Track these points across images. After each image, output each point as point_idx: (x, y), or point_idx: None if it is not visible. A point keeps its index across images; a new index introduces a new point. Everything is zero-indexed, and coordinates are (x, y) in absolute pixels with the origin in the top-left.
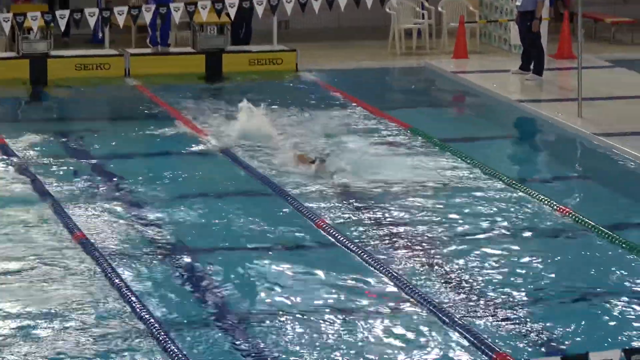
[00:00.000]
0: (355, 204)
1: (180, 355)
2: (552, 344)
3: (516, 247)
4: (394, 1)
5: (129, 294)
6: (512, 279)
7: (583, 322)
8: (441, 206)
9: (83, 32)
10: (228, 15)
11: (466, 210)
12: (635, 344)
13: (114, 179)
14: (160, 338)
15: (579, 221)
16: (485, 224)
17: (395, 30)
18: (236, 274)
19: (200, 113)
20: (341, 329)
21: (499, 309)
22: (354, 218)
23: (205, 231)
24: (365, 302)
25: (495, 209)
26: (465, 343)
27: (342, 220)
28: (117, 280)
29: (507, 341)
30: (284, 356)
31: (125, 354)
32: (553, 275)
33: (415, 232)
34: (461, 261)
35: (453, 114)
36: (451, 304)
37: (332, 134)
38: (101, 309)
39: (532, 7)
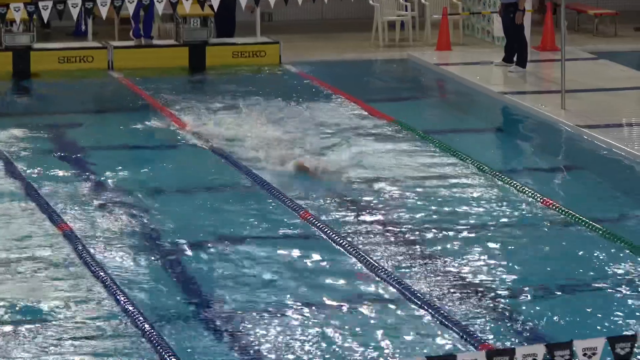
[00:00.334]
0: (339, 196)
1: (165, 348)
2: (537, 333)
3: (500, 239)
4: None
5: (113, 286)
6: (496, 269)
7: (567, 312)
8: (425, 198)
9: (66, 24)
10: (211, 7)
11: (450, 202)
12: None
13: (98, 172)
14: (146, 330)
15: (563, 212)
16: (468, 216)
17: (378, 22)
18: (221, 267)
19: (183, 106)
20: (325, 320)
21: (484, 299)
22: (338, 210)
23: (189, 224)
24: (349, 294)
25: (478, 201)
26: (450, 333)
27: (326, 213)
28: (101, 273)
29: (491, 331)
30: (269, 348)
31: (110, 346)
32: (537, 266)
33: (400, 224)
34: (445, 252)
35: (436, 106)
36: (436, 295)
37: (315, 127)
38: (85, 301)
39: None
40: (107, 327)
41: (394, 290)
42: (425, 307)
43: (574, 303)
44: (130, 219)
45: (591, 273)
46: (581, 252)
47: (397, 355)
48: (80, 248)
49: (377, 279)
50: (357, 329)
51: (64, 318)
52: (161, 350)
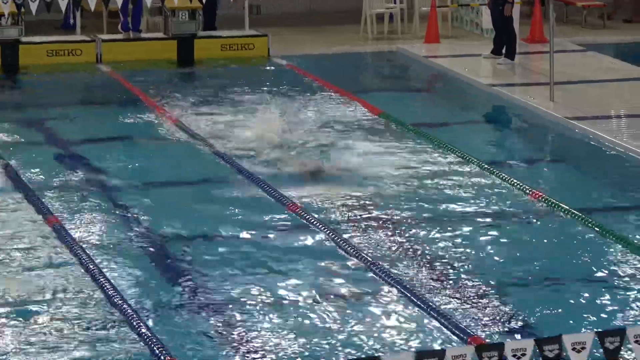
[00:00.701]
0: (327, 189)
1: (154, 340)
2: (526, 327)
3: (489, 232)
4: None
5: (102, 279)
6: (485, 263)
7: (556, 306)
8: (413, 191)
9: (54, 17)
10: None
11: (438, 195)
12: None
13: (87, 165)
14: (134, 323)
15: (552, 205)
16: (458, 209)
17: (367, 15)
18: (210, 259)
19: (171, 99)
20: (314, 313)
21: (473, 292)
22: (327, 203)
23: (178, 217)
24: (338, 286)
25: (467, 194)
26: (439, 327)
27: (315, 206)
28: (90, 266)
29: (480, 325)
30: (258, 341)
31: (99, 338)
32: (526, 259)
33: (389, 216)
34: (434, 245)
35: (425, 99)
36: (425, 288)
37: (304, 121)
38: (73, 293)
39: None
40: (96, 319)
41: (384, 283)
42: (414, 299)
43: (563, 295)
44: (118, 211)
45: (580, 265)
46: (570, 244)
47: (386, 348)
48: (69, 241)
49: (366, 271)
50: (345, 322)
51: (53, 311)
52: (150, 342)
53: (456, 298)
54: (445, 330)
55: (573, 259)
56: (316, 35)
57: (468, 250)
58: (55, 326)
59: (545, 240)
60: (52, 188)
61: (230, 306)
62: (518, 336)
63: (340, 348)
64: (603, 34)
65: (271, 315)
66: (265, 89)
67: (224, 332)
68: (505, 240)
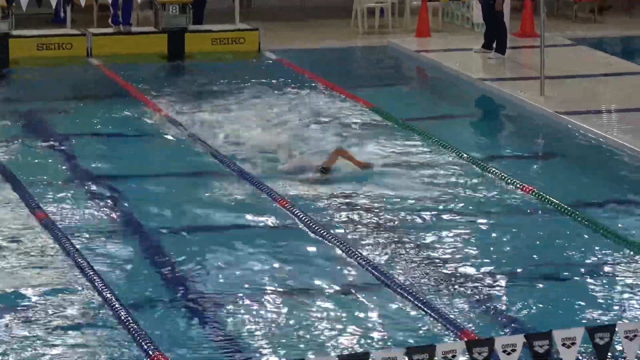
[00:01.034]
0: (318, 184)
1: (142, 335)
2: (516, 322)
3: (480, 226)
4: None
5: (91, 272)
6: (475, 257)
7: (547, 301)
8: (405, 185)
9: (44, 11)
10: None
11: (430, 189)
12: (598, 322)
13: (77, 159)
14: (123, 317)
15: (542, 199)
16: (449, 203)
17: (357, 9)
18: (199, 254)
19: (161, 93)
20: (304, 308)
21: (463, 287)
22: (318, 199)
23: (167, 211)
24: (328, 282)
25: (458, 188)
26: (430, 321)
27: (306, 201)
28: (79, 259)
29: (471, 319)
30: (247, 336)
31: (87, 332)
32: (516, 254)
33: (380, 211)
34: (425, 240)
35: (416, 93)
36: (416, 282)
37: (295, 115)
38: (63, 288)
39: None
40: (85, 314)
41: (374, 278)
42: (405, 294)
43: (554, 290)
44: (109, 205)
45: (571, 260)
46: (560, 239)
47: (377, 343)
48: (58, 235)
49: (357, 266)
50: (335, 317)
51: (42, 305)
52: (138, 337)
53: (446, 293)
54: (435, 325)
55: (564, 253)
56: (307, 29)
57: (458, 245)
58: (42, 320)
59: (536, 235)
60: (41, 181)
61: (219, 300)
62: (508, 331)
63: (330, 344)
64: (594, 28)
65: (260, 310)
66: (255, 84)
67: (213, 327)
68: (496, 234)
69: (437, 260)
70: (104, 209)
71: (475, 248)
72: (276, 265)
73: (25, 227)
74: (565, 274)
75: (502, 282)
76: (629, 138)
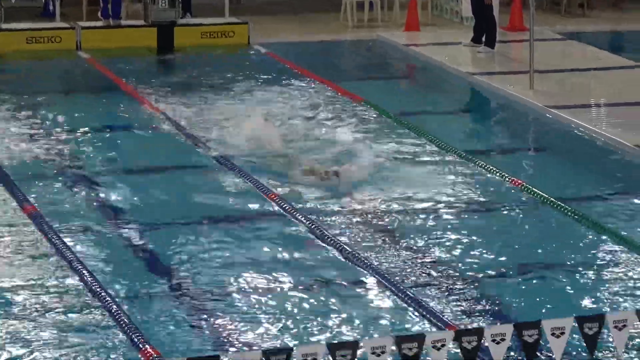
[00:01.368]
0: (307, 179)
1: (132, 327)
2: (505, 314)
3: (469, 220)
4: None
5: (79, 266)
6: (464, 251)
7: (535, 294)
8: (393, 179)
9: (34, 5)
10: None
11: (418, 183)
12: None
13: (64, 152)
14: (113, 311)
15: (532, 193)
16: (438, 197)
17: (347, 3)
18: (190, 247)
19: (150, 86)
20: (293, 301)
21: (452, 280)
22: (307, 193)
23: (156, 205)
24: (316, 274)
25: (447, 182)
26: (418, 315)
27: (295, 195)
28: (67, 254)
29: (459, 312)
30: (235, 328)
31: (77, 326)
32: (506, 247)
33: (369, 205)
34: (414, 234)
35: (405, 87)
36: (403, 276)
37: (282, 109)
38: (51, 282)
39: None
40: (73, 308)
41: (363, 271)
42: (393, 288)
43: (542, 283)
44: (97, 198)
45: (559, 253)
46: (549, 233)
47: (365, 335)
48: (46, 229)
49: (345, 259)
50: (324, 310)
51: (30, 300)
52: (128, 330)
53: (434, 286)
54: (424, 317)
55: (553, 247)
56: (296, 23)
57: (447, 238)
58: (31, 314)
59: (524, 228)
60: (29, 175)
61: (208, 294)
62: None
63: (318, 335)
64: (583, 22)
65: (248, 303)
66: (244, 78)
67: (203, 319)
68: (485, 228)
69: (426, 254)
70: (93, 202)
71: (463, 241)
72: (266, 257)
73: (13, 221)
74: (554, 267)
75: (491, 276)
76: (618, 132)
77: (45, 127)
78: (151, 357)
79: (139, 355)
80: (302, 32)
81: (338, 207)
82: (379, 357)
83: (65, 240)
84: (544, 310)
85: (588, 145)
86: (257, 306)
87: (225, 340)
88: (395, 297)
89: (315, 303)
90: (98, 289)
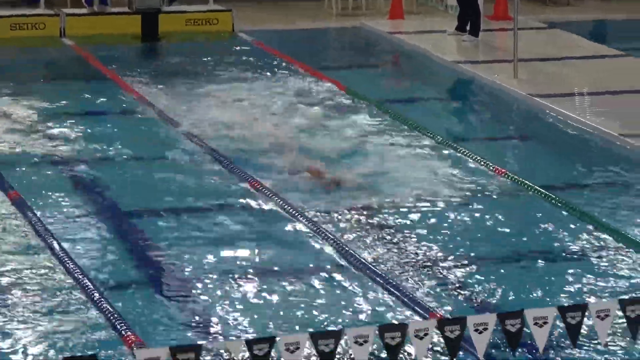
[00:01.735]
0: (288, 165)
1: (115, 316)
2: (488, 303)
3: (452, 208)
4: None
5: (62, 254)
6: (447, 238)
7: (519, 282)
8: (377, 167)
9: None
10: None
11: (400, 171)
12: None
13: (49, 139)
14: (96, 299)
15: (515, 181)
16: (421, 185)
17: None
18: (170, 234)
19: (135, 73)
20: (275, 289)
21: (434, 268)
22: (288, 180)
23: (138, 192)
24: (299, 262)
25: (431, 170)
26: (399, 302)
27: (277, 182)
28: (50, 240)
29: (441, 301)
30: (218, 317)
31: (59, 313)
32: (489, 236)
33: (350, 192)
34: (396, 221)
35: (389, 75)
36: (385, 263)
37: (268, 96)
38: (34, 268)
39: None
40: (55, 295)
41: (344, 260)
42: (375, 276)
43: (527, 273)
44: (81, 186)
45: (543, 242)
46: (533, 221)
47: (348, 324)
48: (29, 215)
49: (328, 248)
50: (306, 299)
51: (13, 288)
52: (112, 318)
53: (417, 273)
54: (406, 307)
55: (536, 235)
56: (281, 10)
57: (431, 226)
58: (13, 302)
59: (507, 217)
60: (12, 162)
61: (193, 281)
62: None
63: (302, 323)
64: (567, 11)
65: (233, 291)
66: (229, 64)
67: (186, 307)
68: (469, 216)
69: (408, 241)
70: (77, 189)
71: (446, 230)
72: (250, 246)
73: None
74: (538, 255)
75: (474, 265)
76: (602, 121)
77: (28, 114)
78: (133, 345)
79: (121, 343)
80: (287, 20)
81: (321, 194)
82: (361, 346)
83: (48, 226)
84: (527, 298)
85: (572, 133)
86: (240, 295)
87: (208, 329)
88: (377, 285)
89: (298, 292)
90: (80, 276)
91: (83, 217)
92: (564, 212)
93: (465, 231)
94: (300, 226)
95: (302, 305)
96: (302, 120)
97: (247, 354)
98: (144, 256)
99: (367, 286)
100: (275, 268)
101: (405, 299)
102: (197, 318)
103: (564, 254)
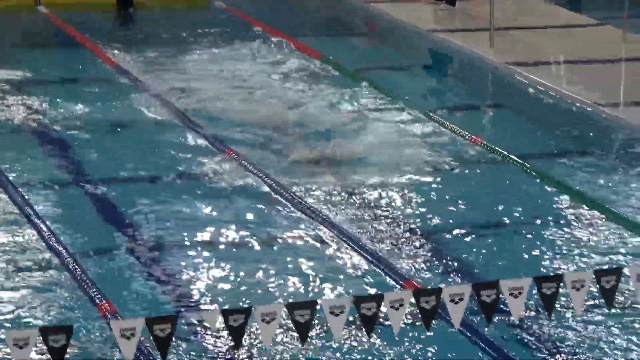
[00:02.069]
0: (265, 135)
1: (89, 283)
2: (463, 272)
3: (427, 177)
4: None
5: (38, 221)
6: (422, 208)
7: (494, 251)
8: (352, 136)
9: None
10: None
11: (377, 140)
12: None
13: (24, 108)
14: (70, 267)
15: (491, 150)
16: (396, 154)
17: None
18: (145, 203)
19: (110, 41)
20: (252, 259)
21: (409, 237)
22: (265, 148)
23: (113, 159)
24: (273, 230)
25: (406, 139)
26: (374, 271)
27: (253, 151)
28: (26, 208)
29: (416, 270)
30: (195, 286)
31: (34, 282)
32: (464, 205)
33: (326, 162)
34: (372, 190)
35: (365, 43)
36: (360, 232)
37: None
38: (10, 237)
39: None
40: (30, 263)
41: (322, 228)
42: (352, 245)
43: (502, 242)
44: (56, 154)
45: (519, 212)
46: (509, 191)
47: (323, 292)
48: (4, 182)
49: (303, 217)
50: (282, 268)
51: None
52: (86, 286)
53: (392, 242)
54: (380, 274)
55: (512, 204)
56: None
57: (406, 196)
58: None
59: (483, 186)
60: None
61: (167, 250)
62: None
63: (276, 293)
64: None
65: (208, 260)
66: (205, 33)
67: (160, 275)
68: (444, 185)
69: (383, 210)
70: (51, 157)
71: (422, 199)
72: (224, 215)
73: None
74: (513, 225)
75: (449, 234)
76: (578, 90)
77: (3, 82)
78: (108, 313)
79: (97, 311)
80: None
81: (297, 163)
82: (337, 317)
83: (25, 195)
84: (502, 268)
85: (548, 103)
86: (216, 264)
87: (184, 299)
88: (353, 254)
89: (275, 261)
90: (56, 244)
91: (57, 184)
92: (540, 182)
93: (441, 201)
94: (276, 197)
95: (279, 276)
96: (278, 90)
97: (223, 325)
98: (118, 225)
99: (343, 257)
100: (252, 239)
101: (381, 270)
102: (172, 289)
103: (540, 224)
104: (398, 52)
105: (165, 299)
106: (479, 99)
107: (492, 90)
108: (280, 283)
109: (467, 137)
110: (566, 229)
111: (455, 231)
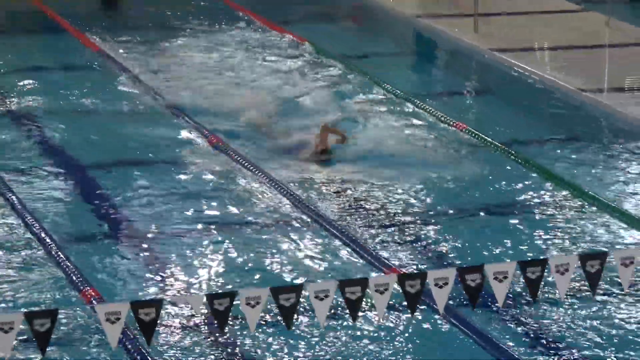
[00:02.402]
0: (250, 120)
1: (73, 270)
2: (448, 258)
3: (412, 163)
4: None
5: (21, 208)
6: (407, 194)
7: (479, 237)
8: (338, 122)
9: None
10: None
11: (361, 125)
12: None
13: (7, 94)
14: (53, 253)
15: (475, 136)
16: (379, 139)
17: None
18: (129, 189)
19: (95, 27)
20: (237, 243)
21: (393, 224)
22: (250, 135)
23: (97, 145)
24: (258, 215)
25: (390, 125)
26: (358, 258)
27: (237, 139)
28: (9, 194)
29: (400, 256)
30: (180, 271)
31: (18, 269)
32: (449, 191)
33: (311, 148)
34: (356, 176)
35: (349, 29)
36: (345, 219)
37: (227, 52)
38: None
39: None
40: (14, 249)
41: (305, 215)
42: (336, 232)
43: (486, 228)
44: (39, 140)
45: (503, 197)
46: (493, 176)
47: (307, 278)
48: None
49: (288, 203)
50: (267, 253)
51: None
52: (70, 272)
53: (376, 229)
54: (363, 261)
55: (496, 190)
56: None
57: (390, 182)
58: None
59: (468, 172)
60: None
61: (152, 236)
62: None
63: (262, 278)
64: None
65: (192, 244)
66: (188, 18)
67: (146, 262)
68: (428, 171)
69: (367, 197)
70: (35, 144)
71: (406, 185)
72: (211, 201)
73: None
74: (498, 210)
75: (434, 220)
76: (562, 76)
77: None
78: (92, 299)
79: (80, 297)
80: None
81: (279, 149)
82: (322, 301)
83: (7, 181)
84: (487, 253)
85: (532, 88)
86: (201, 249)
87: (169, 284)
88: (337, 240)
89: (260, 246)
90: (39, 230)
91: (41, 171)
92: (524, 168)
93: (425, 187)
94: (260, 183)
95: (264, 261)
96: (263, 75)
97: (207, 308)
98: (102, 211)
99: (327, 242)
100: (236, 224)
101: (366, 254)
102: (157, 273)
103: (524, 210)
104: (382, 37)
105: (150, 284)
106: (462, 85)
107: (476, 76)
108: (266, 268)
109: (451, 123)
110: (550, 214)
111: (439, 217)
